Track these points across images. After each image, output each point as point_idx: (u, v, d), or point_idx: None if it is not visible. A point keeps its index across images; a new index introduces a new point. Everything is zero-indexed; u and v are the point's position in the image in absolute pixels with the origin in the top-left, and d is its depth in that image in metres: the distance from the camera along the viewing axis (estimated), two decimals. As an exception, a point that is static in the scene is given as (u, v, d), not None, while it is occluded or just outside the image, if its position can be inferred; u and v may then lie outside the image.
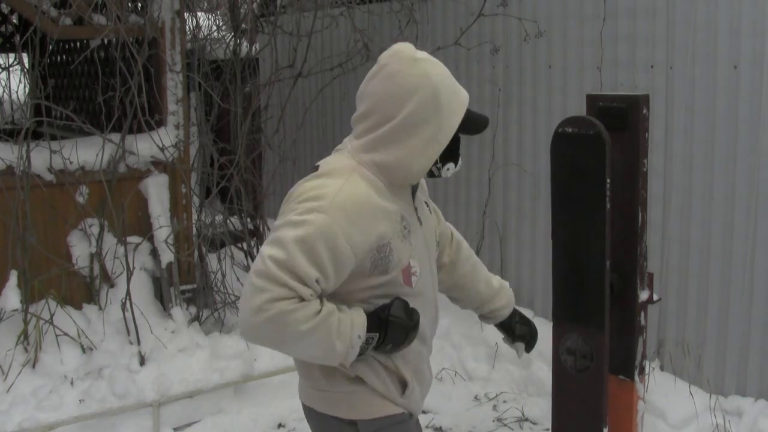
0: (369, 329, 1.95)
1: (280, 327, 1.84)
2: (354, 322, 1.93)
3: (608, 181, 2.33)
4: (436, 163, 2.06)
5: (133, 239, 4.63)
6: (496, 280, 2.52)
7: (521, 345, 2.54)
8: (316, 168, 2.05)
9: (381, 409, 2.10)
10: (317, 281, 1.88)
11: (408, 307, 2.00)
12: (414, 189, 2.13)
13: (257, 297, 1.84)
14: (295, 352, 1.99)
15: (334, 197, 1.90)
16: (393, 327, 1.97)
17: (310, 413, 2.20)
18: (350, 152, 2.04)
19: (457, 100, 2.02)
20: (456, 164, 2.12)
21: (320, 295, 1.92)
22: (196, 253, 4.91)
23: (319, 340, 1.88)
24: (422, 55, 2.01)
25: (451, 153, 2.07)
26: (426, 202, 2.25)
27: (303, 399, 2.22)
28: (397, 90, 1.96)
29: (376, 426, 2.10)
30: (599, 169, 2.32)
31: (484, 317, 2.53)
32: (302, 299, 1.86)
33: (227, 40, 5.84)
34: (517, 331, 2.52)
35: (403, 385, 2.12)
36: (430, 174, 2.10)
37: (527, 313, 4.83)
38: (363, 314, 1.96)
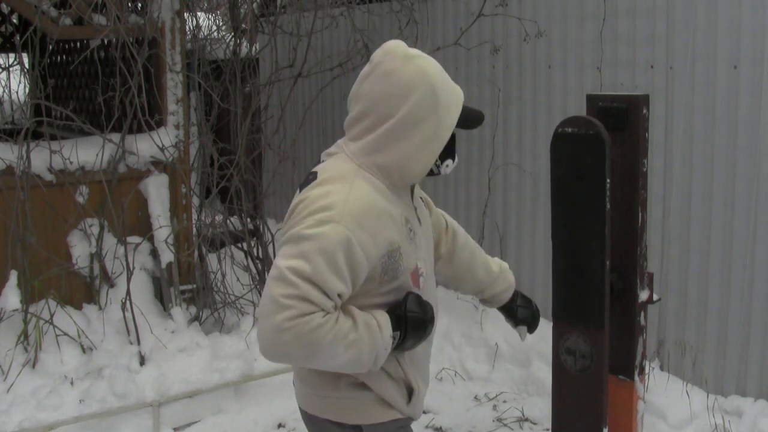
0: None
1: (310, 343, 1.77)
2: (381, 324, 1.90)
3: (608, 181, 2.33)
4: (435, 160, 2.02)
5: (133, 239, 4.63)
6: (495, 264, 2.48)
7: (524, 329, 2.51)
8: (314, 175, 1.97)
9: (387, 413, 2.07)
10: (339, 295, 1.83)
11: (421, 300, 1.98)
12: (412, 189, 2.10)
13: (281, 313, 1.75)
14: (324, 365, 1.89)
15: (344, 205, 1.84)
16: (412, 323, 1.94)
17: (312, 420, 2.13)
18: (348, 156, 1.98)
19: (454, 95, 2.00)
20: (454, 160, 2.09)
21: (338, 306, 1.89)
22: (196, 253, 4.91)
23: (355, 350, 1.84)
24: (415, 52, 1.98)
25: (448, 149, 2.04)
26: (420, 197, 2.23)
27: (303, 406, 2.15)
28: (393, 89, 1.91)
29: (381, 430, 2.08)
30: (599, 169, 2.32)
31: (485, 302, 2.51)
32: (327, 313, 1.81)
33: (227, 40, 5.84)
34: (519, 314, 2.49)
35: (410, 391, 2.09)
36: (430, 172, 2.06)
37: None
38: (385, 313, 1.94)
